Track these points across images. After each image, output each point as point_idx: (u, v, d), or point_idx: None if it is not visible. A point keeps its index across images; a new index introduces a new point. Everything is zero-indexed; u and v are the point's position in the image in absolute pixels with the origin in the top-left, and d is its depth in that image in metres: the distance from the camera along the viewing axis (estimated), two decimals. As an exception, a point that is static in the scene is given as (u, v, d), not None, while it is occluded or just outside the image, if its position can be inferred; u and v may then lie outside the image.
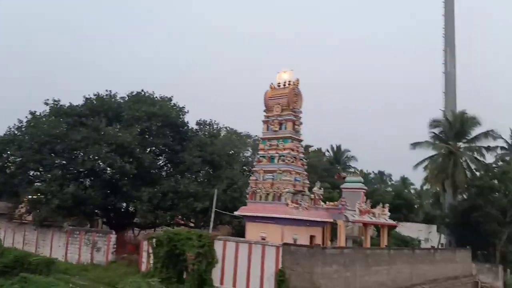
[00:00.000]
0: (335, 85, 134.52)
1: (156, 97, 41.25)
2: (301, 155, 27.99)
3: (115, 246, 29.76)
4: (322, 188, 29.77)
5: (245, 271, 21.82)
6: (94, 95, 39.70)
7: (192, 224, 37.96)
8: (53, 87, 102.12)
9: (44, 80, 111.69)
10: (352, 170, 70.60)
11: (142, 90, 41.11)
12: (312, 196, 28.21)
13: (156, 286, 17.88)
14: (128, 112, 37.66)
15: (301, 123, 28.18)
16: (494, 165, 41.70)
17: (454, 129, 42.78)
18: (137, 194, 33.48)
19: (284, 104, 27.52)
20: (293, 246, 21.05)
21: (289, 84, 28.17)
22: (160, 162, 41.50)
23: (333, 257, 21.18)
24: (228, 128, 53.92)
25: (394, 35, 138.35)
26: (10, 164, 35.93)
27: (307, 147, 69.23)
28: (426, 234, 49.92)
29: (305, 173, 28.07)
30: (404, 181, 68.42)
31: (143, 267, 26.08)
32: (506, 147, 57.16)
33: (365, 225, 31.50)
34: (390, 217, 37.56)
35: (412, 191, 66.00)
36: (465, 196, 41.61)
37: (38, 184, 33.52)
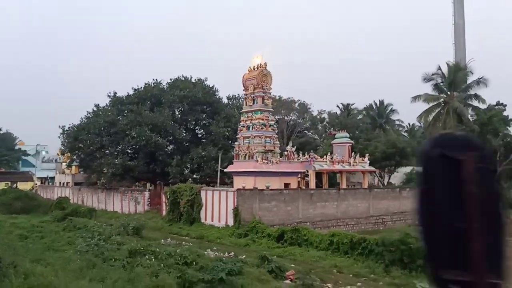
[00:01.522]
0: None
1: (195, 79, 51.53)
2: (271, 122, 35.79)
3: (149, 199, 40.56)
4: (294, 146, 37.57)
5: (217, 210, 30.93)
6: (144, 83, 51.00)
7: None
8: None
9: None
10: (397, 122, 76.28)
11: (182, 75, 51.58)
12: (286, 153, 36.22)
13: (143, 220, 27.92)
14: (165, 96, 48.20)
15: (269, 98, 35.96)
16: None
17: (448, 80, 46.43)
18: (170, 161, 43.85)
19: (255, 83, 35.39)
20: (242, 190, 29.61)
21: (259, 66, 35.90)
22: (197, 133, 51.83)
23: (271, 196, 29.48)
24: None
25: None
26: (84, 145, 48.48)
27: (347, 105, 75.59)
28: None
29: (276, 136, 36.01)
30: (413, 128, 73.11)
31: (164, 213, 36.42)
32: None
33: (341, 172, 38.79)
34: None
35: None
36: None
37: (101, 159, 45.41)
